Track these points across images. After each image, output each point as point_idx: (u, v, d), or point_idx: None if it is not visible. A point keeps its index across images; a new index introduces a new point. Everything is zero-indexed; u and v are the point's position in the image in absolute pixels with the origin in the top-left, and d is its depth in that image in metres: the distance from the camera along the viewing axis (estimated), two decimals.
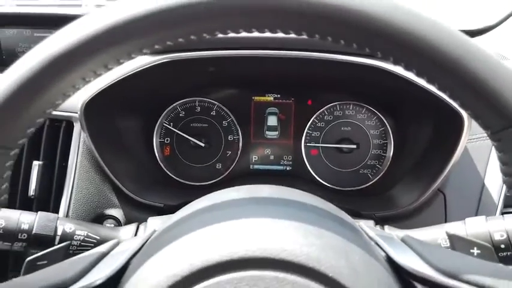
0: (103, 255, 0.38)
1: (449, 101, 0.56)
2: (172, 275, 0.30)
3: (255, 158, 0.80)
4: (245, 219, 0.33)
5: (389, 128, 0.77)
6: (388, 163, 0.77)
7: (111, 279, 0.34)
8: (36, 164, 0.61)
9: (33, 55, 0.30)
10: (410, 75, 0.59)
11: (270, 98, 0.79)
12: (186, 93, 0.79)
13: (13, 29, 0.90)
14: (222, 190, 0.40)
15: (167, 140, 0.80)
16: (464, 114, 0.57)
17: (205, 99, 0.79)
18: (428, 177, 0.64)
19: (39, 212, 0.48)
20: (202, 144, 0.78)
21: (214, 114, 0.80)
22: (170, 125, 0.80)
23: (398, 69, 0.60)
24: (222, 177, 0.79)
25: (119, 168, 0.66)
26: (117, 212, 0.65)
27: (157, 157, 0.79)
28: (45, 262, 0.42)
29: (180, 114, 0.80)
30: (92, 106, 0.62)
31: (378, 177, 0.77)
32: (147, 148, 0.78)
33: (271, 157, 0.80)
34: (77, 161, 0.64)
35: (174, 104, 0.79)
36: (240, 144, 0.79)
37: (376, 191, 0.75)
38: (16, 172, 0.62)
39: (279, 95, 0.79)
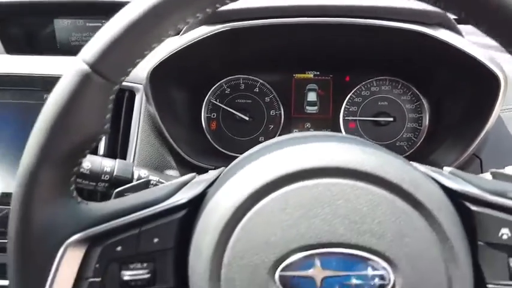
0: (184, 184, 0.43)
1: (488, 63, 0.61)
2: (251, 184, 0.35)
3: (295, 131, 0.86)
4: (314, 142, 0.38)
5: (424, 102, 0.81)
6: (424, 136, 0.81)
7: (193, 201, 0.40)
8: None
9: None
10: (453, 39, 0.63)
11: (309, 75, 0.85)
12: (232, 71, 0.85)
13: (67, 19, 0.97)
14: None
15: (214, 115, 0.86)
16: (500, 75, 0.62)
17: (249, 76, 0.85)
18: (462, 145, 0.68)
19: (117, 159, 0.54)
20: (247, 118, 0.84)
21: (257, 91, 0.85)
22: (217, 101, 0.86)
23: (439, 34, 0.64)
24: None
25: (175, 134, 0.72)
26: (174, 173, 0.71)
27: (205, 130, 0.86)
28: (130, 193, 0.48)
29: (226, 91, 0.86)
30: (154, 76, 0.68)
31: (413, 149, 0.81)
32: (195, 122, 0.85)
33: (311, 130, 0.85)
34: (138, 127, 0.71)
35: (220, 82, 0.86)
36: (282, 118, 0.85)
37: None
38: None
39: (318, 73, 0.84)
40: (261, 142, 0.86)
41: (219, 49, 0.76)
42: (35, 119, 0.67)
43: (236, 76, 0.85)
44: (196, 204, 0.40)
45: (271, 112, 0.85)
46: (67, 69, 0.37)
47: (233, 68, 0.85)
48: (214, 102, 0.86)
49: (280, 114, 0.85)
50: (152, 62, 0.68)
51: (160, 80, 0.71)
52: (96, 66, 0.36)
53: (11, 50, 0.94)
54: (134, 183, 0.48)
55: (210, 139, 0.85)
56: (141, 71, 0.70)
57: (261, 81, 0.85)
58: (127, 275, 0.37)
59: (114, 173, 0.52)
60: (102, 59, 0.36)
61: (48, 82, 0.68)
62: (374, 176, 0.34)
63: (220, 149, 0.85)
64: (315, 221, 0.34)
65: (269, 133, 0.85)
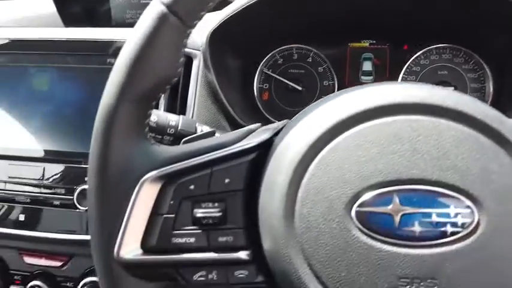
0: (251, 131, 0.43)
1: None
2: (328, 121, 0.35)
3: None
4: (393, 84, 0.37)
5: (487, 71, 0.78)
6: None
7: (263, 144, 0.40)
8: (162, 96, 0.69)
9: None
10: None
11: (365, 43, 0.83)
12: (285, 40, 0.84)
13: None
14: None
15: (266, 86, 0.86)
16: None
17: (302, 46, 0.85)
18: None
19: (181, 115, 0.55)
20: (300, 88, 0.84)
21: (310, 60, 0.85)
22: (269, 71, 0.85)
23: None
24: None
25: (232, 100, 0.73)
26: None
27: (257, 101, 0.86)
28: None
29: (278, 61, 0.86)
30: (212, 41, 0.69)
31: None
32: (248, 92, 0.85)
33: None
34: (196, 93, 0.72)
35: (273, 52, 0.85)
36: (336, 88, 0.84)
37: None
38: None
39: (374, 41, 0.83)
40: None
41: (273, 16, 0.75)
42: (99, 82, 0.69)
43: (289, 46, 0.85)
44: (267, 146, 0.40)
45: (324, 82, 0.84)
46: (146, 11, 0.38)
47: (286, 38, 0.84)
48: (267, 72, 0.85)
49: (334, 84, 0.84)
50: (210, 27, 0.69)
51: (218, 46, 0.72)
52: (173, 7, 0.36)
53: (69, 25, 0.98)
54: (201, 133, 0.49)
55: (262, 109, 0.85)
56: (199, 37, 0.71)
57: (315, 50, 0.84)
58: (199, 212, 0.38)
59: (179, 127, 0.53)
60: (179, 0, 0.37)
61: (111, 47, 0.70)
62: (457, 112, 0.33)
63: (272, 119, 0.85)
64: (394, 157, 0.33)
65: None
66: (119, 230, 0.37)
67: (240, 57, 0.81)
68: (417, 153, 0.33)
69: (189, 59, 0.73)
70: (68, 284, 0.73)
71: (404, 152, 0.33)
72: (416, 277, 0.32)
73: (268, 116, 0.85)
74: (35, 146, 0.69)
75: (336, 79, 0.84)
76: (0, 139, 0.71)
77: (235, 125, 0.72)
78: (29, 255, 0.75)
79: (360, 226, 0.33)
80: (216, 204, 0.39)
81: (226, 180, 0.39)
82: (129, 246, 0.38)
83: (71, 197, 0.67)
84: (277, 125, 0.45)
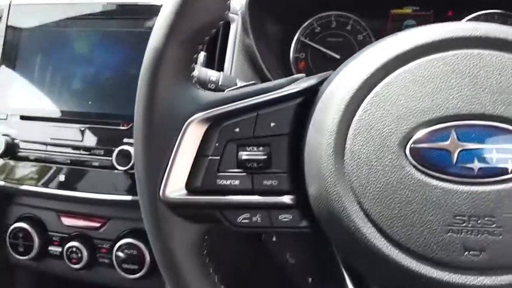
0: (296, 79, 0.42)
1: None
2: (382, 57, 0.33)
3: None
4: (444, 23, 0.36)
5: None
6: None
7: (310, 89, 0.39)
8: (202, 54, 0.69)
9: None
10: None
11: (408, 10, 0.80)
12: (323, 7, 0.83)
13: None
14: None
15: (302, 55, 0.85)
16: None
17: (341, 13, 0.83)
18: None
19: (221, 72, 0.55)
20: (338, 57, 0.82)
21: (349, 28, 0.83)
22: (306, 39, 0.84)
23: None
24: None
25: (268, 66, 0.72)
26: None
27: (293, 71, 0.84)
28: None
29: (316, 30, 0.84)
30: (251, 4, 0.68)
31: None
32: (284, 60, 0.84)
33: None
34: (233, 57, 0.71)
35: (311, 19, 0.84)
36: None
37: None
38: None
39: (417, 7, 0.80)
40: None
41: None
42: (138, 46, 0.69)
43: (327, 13, 0.83)
44: (313, 92, 0.39)
45: None
46: None
47: (325, 5, 0.82)
48: (304, 40, 0.84)
49: None
50: None
51: (257, 10, 0.71)
52: None
53: None
54: (243, 84, 0.48)
55: None
56: (238, 0, 0.71)
57: (354, 18, 0.82)
58: (244, 155, 0.38)
59: (220, 83, 0.53)
60: None
61: (150, 11, 0.70)
62: None
63: None
64: (453, 91, 0.31)
65: None
66: (164, 170, 0.37)
67: (278, 23, 0.80)
68: (478, 88, 0.31)
69: (227, 23, 0.72)
70: (104, 246, 0.74)
71: (464, 86, 0.31)
72: (473, 215, 0.30)
73: None
74: (76, 108, 0.71)
75: None
76: (42, 101, 0.72)
77: None
78: (67, 217, 0.76)
79: (415, 163, 0.31)
80: (261, 148, 0.38)
81: (272, 124, 0.38)
82: (174, 186, 0.38)
83: (110, 158, 0.67)
84: (323, 73, 0.44)
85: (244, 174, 0.38)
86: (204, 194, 0.38)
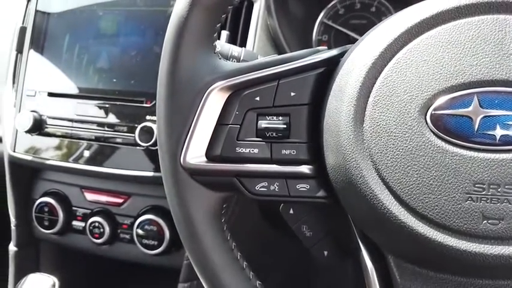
0: (317, 51, 0.42)
1: None
2: (404, 23, 0.33)
3: None
4: None
5: None
6: None
7: (331, 59, 0.39)
8: (225, 33, 0.69)
9: None
10: None
11: None
12: None
13: None
14: None
15: (325, 37, 0.84)
16: None
17: None
18: None
19: (243, 47, 0.55)
20: None
21: (374, 10, 0.81)
22: (329, 22, 0.83)
23: None
24: None
25: (290, 45, 0.72)
26: None
27: None
28: None
29: (340, 12, 0.83)
30: None
31: None
32: (306, 42, 0.83)
33: None
34: (255, 37, 0.71)
35: (334, 1, 0.83)
36: None
37: None
38: None
39: None
40: None
41: None
42: (163, 24, 0.69)
43: None
44: (335, 63, 0.39)
45: None
46: None
47: None
48: (327, 22, 0.83)
49: None
50: None
51: None
52: None
53: None
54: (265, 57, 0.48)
55: None
56: None
57: None
58: (264, 124, 0.38)
59: (241, 58, 0.53)
60: None
61: None
62: None
63: None
64: (476, 57, 0.31)
65: None
66: (186, 137, 0.38)
67: (301, 4, 0.79)
68: (503, 54, 0.30)
69: (250, 4, 0.72)
70: (125, 222, 0.76)
71: (489, 52, 0.31)
72: (493, 183, 0.30)
73: None
74: (101, 85, 0.72)
75: None
76: (69, 79, 0.74)
77: None
78: (90, 193, 0.78)
79: (435, 130, 0.31)
80: (280, 118, 0.38)
81: (292, 94, 0.38)
82: (195, 153, 0.38)
83: (133, 135, 0.69)
84: (344, 46, 0.44)
85: (263, 143, 0.38)
86: (224, 161, 0.38)
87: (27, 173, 0.80)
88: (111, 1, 0.74)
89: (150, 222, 0.72)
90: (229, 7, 0.40)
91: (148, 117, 0.69)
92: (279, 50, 0.71)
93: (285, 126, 0.38)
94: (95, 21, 0.74)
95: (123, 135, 0.70)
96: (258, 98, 0.38)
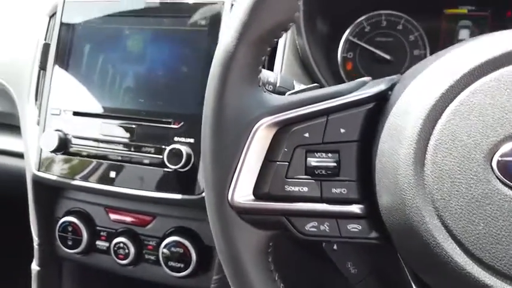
0: (364, 83, 0.41)
1: None
2: (467, 63, 0.32)
3: None
4: None
5: None
6: None
7: (381, 94, 0.38)
8: None
9: None
10: None
11: (463, 10, 0.78)
12: (374, 6, 0.81)
13: None
14: None
15: (350, 55, 0.83)
16: None
17: (392, 12, 0.80)
18: None
19: (278, 72, 0.54)
20: (388, 57, 0.80)
21: (400, 28, 0.80)
22: (355, 39, 0.82)
23: None
24: None
25: (316, 63, 0.71)
26: None
27: (340, 71, 0.83)
28: None
29: (365, 29, 0.82)
30: (304, 3, 0.67)
31: None
32: (332, 60, 0.83)
33: None
34: (283, 56, 0.70)
35: (360, 19, 0.82)
36: None
37: None
38: None
39: (473, 7, 0.77)
40: None
41: None
42: (191, 45, 0.68)
43: (378, 12, 0.81)
44: (384, 97, 0.38)
45: (414, 52, 0.80)
46: None
47: (375, 3, 0.80)
48: (352, 40, 0.82)
49: (426, 54, 0.79)
50: None
51: (309, 9, 0.70)
52: None
53: None
54: (306, 86, 0.47)
55: (346, 80, 0.83)
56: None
57: (406, 17, 0.80)
58: (313, 161, 0.37)
59: (278, 84, 0.52)
60: None
61: (203, 9, 0.70)
62: None
63: None
64: None
65: None
66: (233, 175, 0.37)
67: (327, 22, 0.78)
68: None
69: None
70: (151, 242, 0.75)
71: None
72: None
73: None
74: (127, 105, 0.71)
75: (428, 48, 0.79)
76: (95, 98, 0.73)
77: None
78: (114, 213, 0.78)
79: (502, 177, 0.30)
80: (330, 155, 0.37)
81: (342, 130, 0.37)
82: (242, 191, 0.37)
83: (160, 156, 0.68)
84: (390, 77, 0.43)
85: (313, 181, 0.37)
86: (272, 200, 0.37)
87: (50, 192, 0.80)
88: (138, 19, 0.73)
89: (176, 244, 0.71)
90: (275, 40, 0.39)
91: (176, 139, 0.68)
92: (307, 70, 0.70)
93: (335, 164, 0.37)
94: (121, 39, 0.73)
95: (150, 157, 0.69)
96: (307, 135, 0.37)
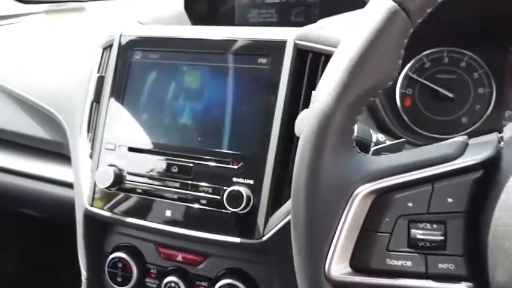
0: (465, 144, 0.38)
1: None
2: None
3: (508, 113, 0.76)
4: None
5: None
6: None
7: (489, 160, 0.35)
8: (314, 94, 0.66)
9: None
10: None
11: None
12: (436, 42, 0.78)
13: None
14: None
15: (409, 91, 0.81)
16: None
17: (455, 49, 0.78)
18: None
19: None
20: (451, 95, 0.77)
21: (463, 65, 0.77)
22: (414, 75, 0.80)
23: None
24: (467, 131, 0.77)
25: (382, 101, 0.68)
26: None
27: (399, 107, 0.80)
28: (387, 153, 0.45)
29: (426, 65, 0.79)
30: None
31: None
32: (390, 96, 0.80)
33: None
34: None
35: (421, 55, 0.79)
36: (493, 97, 0.76)
37: None
38: None
39: None
40: (463, 123, 0.79)
41: (429, 15, 0.69)
42: (250, 83, 0.67)
43: (440, 48, 0.78)
44: (494, 164, 0.35)
45: (479, 90, 0.77)
46: (370, 6, 0.36)
47: (438, 40, 0.78)
48: (412, 76, 0.80)
49: (491, 92, 0.76)
50: None
51: None
52: (404, 2, 0.33)
53: (195, 24, 0.99)
54: (392, 142, 0.45)
55: (404, 116, 0.80)
56: None
57: (470, 54, 0.77)
58: (418, 233, 0.34)
59: (355, 133, 0.50)
60: None
61: (263, 46, 0.68)
62: None
63: (415, 127, 0.79)
64: None
65: (474, 114, 0.77)
66: (329, 245, 0.34)
67: None
68: None
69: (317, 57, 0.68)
70: (203, 283, 0.73)
71: None
72: None
73: (410, 124, 0.79)
74: (185, 143, 0.70)
75: (493, 86, 0.76)
76: (151, 134, 0.72)
77: (384, 130, 0.68)
78: (165, 250, 0.76)
79: None
80: (435, 226, 0.35)
81: (449, 200, 0.35)
82: (339, 263, 0.35)
83: (218, 197, 0.66)
84: (491, 139, 0.40)
85: (417, 254, 0.35)
86: (372, 274, 0.35)
87: (100, 226, 0.79)
88: (196, 55, 0.72)
89: (230, 286, 0.69)
90: (372, 100, 0.37)
91: (235, 179, 0.66)
92: (369, 108, 0.68)
93: (442, 237, 0.34)
94: (179, 75, 0.72)
95: (208, 197, 0.67)
96: (410, 204, 0.35)
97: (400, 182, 0.35)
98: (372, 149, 0.45)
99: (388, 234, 0.35)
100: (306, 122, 0.36)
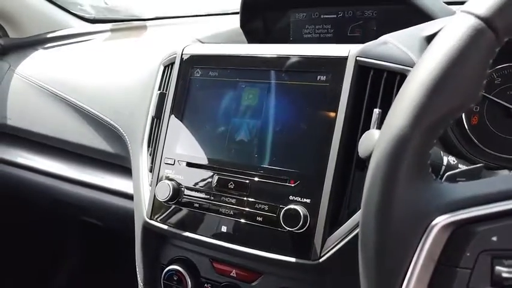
0: None
1: None
2: None
3: None
4: None
5: None
6: None
7: None
8: (376, 112, 0.63)
9: None
10: None
11: None
12: (507, 57, 0.73)
13: (303, 12, 0.98)
14: None
15: (476, 108, 0.76)
16: None
17: None
18: None
19: None
20: None
21: None
22: (482, 91, 0.75)
23: None
24: None
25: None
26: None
27: (465, 125, 0.76)
28: (463, 179, 0.42)
29: (496, 81, 0.75)
30: None
31: None
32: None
33: None
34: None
35: (490, 70, 0.75)
36: None
37: None
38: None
39: None
40: None
41: None
42: (310, 100, 0.65)
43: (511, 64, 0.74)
44: None
45: None
46: (453, 24, 0.34)
47: (509, 54, 0.73)
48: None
49: None
50: None
51: None
52: (492, 21, 0.31)
53: (251, 41, 1.00)
54: (469, 167, 0.42)
55: (470, 134, 0.75)
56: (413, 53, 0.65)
57: None
58: (504, 271, 0.31)
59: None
60: (500, 12, 0.31)
61: (323, 63, 0.67)
62: None
63: (482, 147, 0.75)
64: None
65: None
66: (402, 279, 0.33)
67: None
68: None
69: (392, 76, 0.65)
70: None
71: None
72: None
73: (477, 142, 0.75)
74: (242, 160, 0.70)
75: None
76: (210, 150, 0.73)
77: (450, 151, 0.64)
78: (220, 265, 0.76)
79: None
80: None
81: None
82: None
83: (274, 215, 0.65)
84: None
85: None
86: None
87: (158, 239, 0.80)
88: (255, 73, 0.72)
89: None
90: (451, 122, 0.35)
91: (291, 198, 0.65)
92: None
93: None
94: (238, 92, 0.73)
95: (263, 214, 0.67)
96: (494, 238, 0.32)
97: (483, 214, 0.32)
98: (446, 174, 0.42)
99: (469, 271, 0.32)
100: (377, 145, 0.35)
